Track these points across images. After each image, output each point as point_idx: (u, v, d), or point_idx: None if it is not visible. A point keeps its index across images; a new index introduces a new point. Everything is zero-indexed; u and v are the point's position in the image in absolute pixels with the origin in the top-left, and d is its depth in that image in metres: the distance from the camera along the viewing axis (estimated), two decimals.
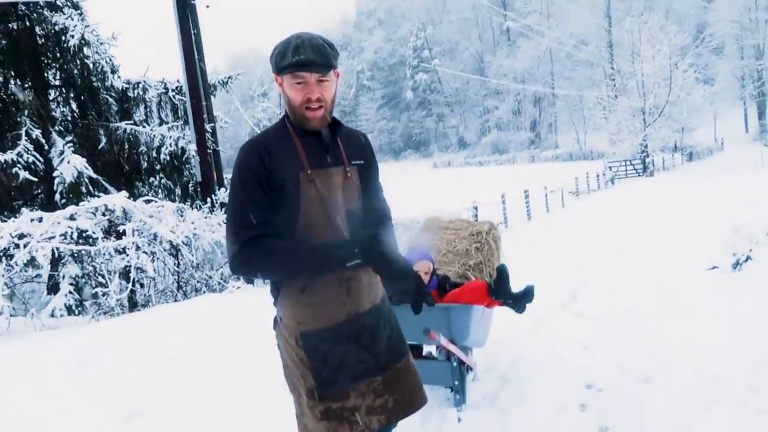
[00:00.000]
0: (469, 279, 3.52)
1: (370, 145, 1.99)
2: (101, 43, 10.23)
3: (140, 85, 10.98)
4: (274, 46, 1.73)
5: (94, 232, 6.22)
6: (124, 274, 6.43)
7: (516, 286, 3.33)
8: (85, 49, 9.58)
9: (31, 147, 8.62)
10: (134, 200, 7.04)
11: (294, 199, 1.69)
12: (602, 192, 24.72)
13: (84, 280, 7.03)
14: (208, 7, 10.11)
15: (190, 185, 10.99)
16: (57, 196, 8.58)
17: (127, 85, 10.83)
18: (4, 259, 5.82)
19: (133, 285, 6.44)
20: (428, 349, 3.56)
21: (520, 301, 3.29)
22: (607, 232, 10.82)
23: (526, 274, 4.07)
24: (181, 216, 7.38)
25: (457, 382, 3.14)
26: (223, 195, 9.89)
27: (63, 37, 9.50)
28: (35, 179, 8.61)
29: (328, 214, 1.74)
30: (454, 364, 3.12)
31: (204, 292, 7.37)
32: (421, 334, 2.79)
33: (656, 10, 41.46)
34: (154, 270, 6.77)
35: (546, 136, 63.70)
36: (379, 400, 1.78)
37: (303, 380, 1.75)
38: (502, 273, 3.20)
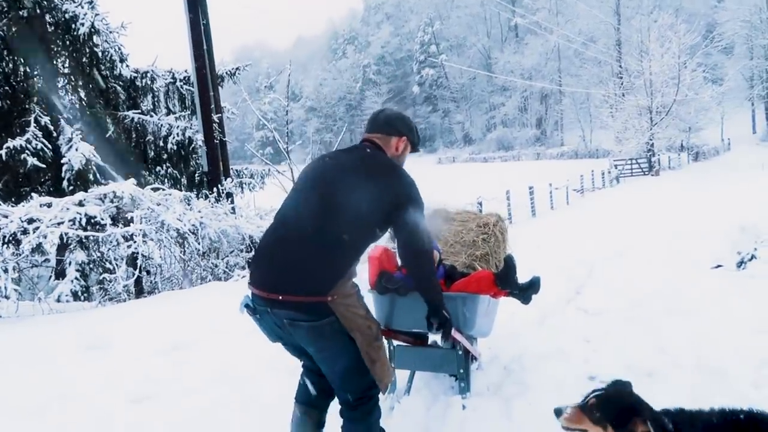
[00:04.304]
0: (476, 269, 3.54)
1: None
2: (111, 32, 10.25)
3: (148, 75, 10.98)
4: (412, 122, 2.61)
5: (102, 219, 6.26)
6: (131, 260, 6.48)
7: (521, 279, 3.35)
8: (94, 37, 9.60)
9: (39, 134, 8.64)
10: (141, 188, 7.07)
11: None
12: (607, 190, 24.67)
13: (90, 267, 7.08)
14: None
15: (196, 175, 11.01)
16: (65, 183, 8.61)
17: (136, 75, 10.84)
18: (12, 244, 5.87)
19: (140, 272, 6.48)
20: (434, 338, 3.58)
21: (526, 291, 3.31)
22: (612, 229, 10.81)
23: (530, 269, 4.09)
24: (188, 205, 7.42)
25: (462, 371, 3.17)
26: (229, 185, 9.92)
27: (73, 25, 9.52)
28: (43, 166, 8.64)
29: None
30: (460, 352, 3.14)
31: (209, 280, 7.41)
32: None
33: (666, 8, 41.16)
34: (161, 257, 6.82)
35: (552, 134, 63.51)
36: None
37: (371, 328, 2.26)
38: (508, 263, 3.22)
